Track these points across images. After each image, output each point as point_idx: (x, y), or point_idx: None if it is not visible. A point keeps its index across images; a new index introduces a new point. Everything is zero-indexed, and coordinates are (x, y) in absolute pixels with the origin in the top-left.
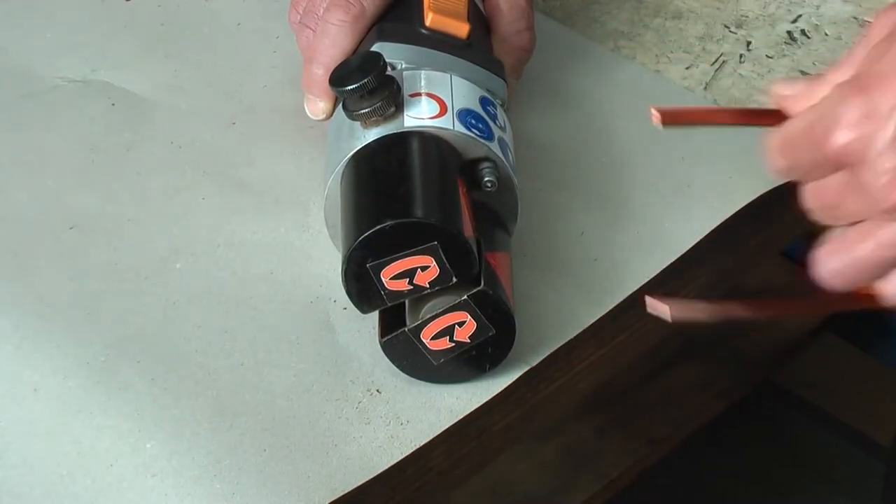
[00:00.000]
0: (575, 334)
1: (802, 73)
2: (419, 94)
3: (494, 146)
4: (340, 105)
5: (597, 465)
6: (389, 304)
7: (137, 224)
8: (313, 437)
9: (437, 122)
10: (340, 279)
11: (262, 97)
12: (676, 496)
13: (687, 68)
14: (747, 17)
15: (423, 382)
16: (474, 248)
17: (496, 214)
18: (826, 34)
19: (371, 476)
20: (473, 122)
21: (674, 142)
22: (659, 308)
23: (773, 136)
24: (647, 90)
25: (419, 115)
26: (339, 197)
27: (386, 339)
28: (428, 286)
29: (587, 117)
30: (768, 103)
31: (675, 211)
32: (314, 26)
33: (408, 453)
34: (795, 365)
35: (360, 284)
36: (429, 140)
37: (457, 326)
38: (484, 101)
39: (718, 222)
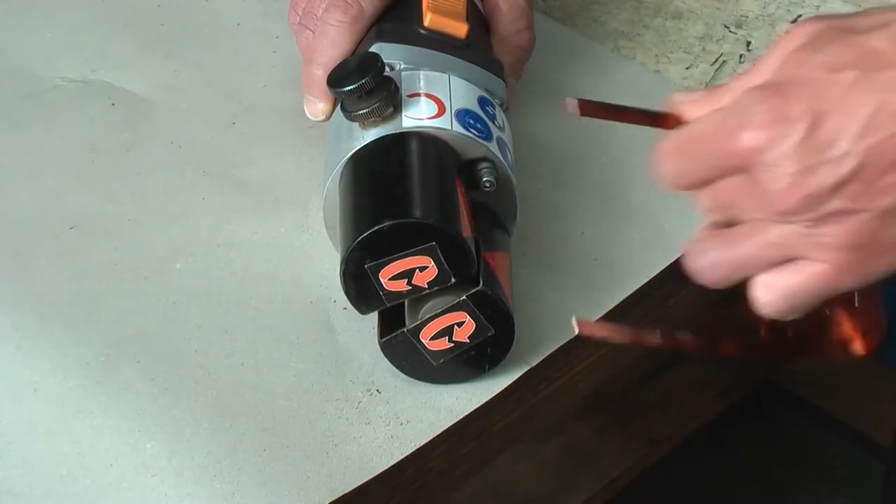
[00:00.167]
0: (575, 334)
1: None
2: (418, 95)
3: (493, 146)
4: (339, 106)
5: (597, 465)
6: (388, 305)
7: (137, 224)
8: (313, 437)
9: (436, 123)
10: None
11: (262, 97)
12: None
13: (687, 68)
14: (747, 17)
15: (422, 382)
16: (473, 249)
17: (495, 214)
18: None
19: (371, 476)
20: (472, 122)
21: None
22: (580, 328)
23: (668, 139)
24: (647, 90)
25: (417, 116)
26: (338, 197)
27: (385, 339)
28: (427, 286)
29: (587, 117)
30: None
31: (675, 211)
32: (313, 27)
33: (408, 453)
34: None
35: (359, 285)
36: (427, 140)
37: (456, 327)
38: (483, 102)
39: None
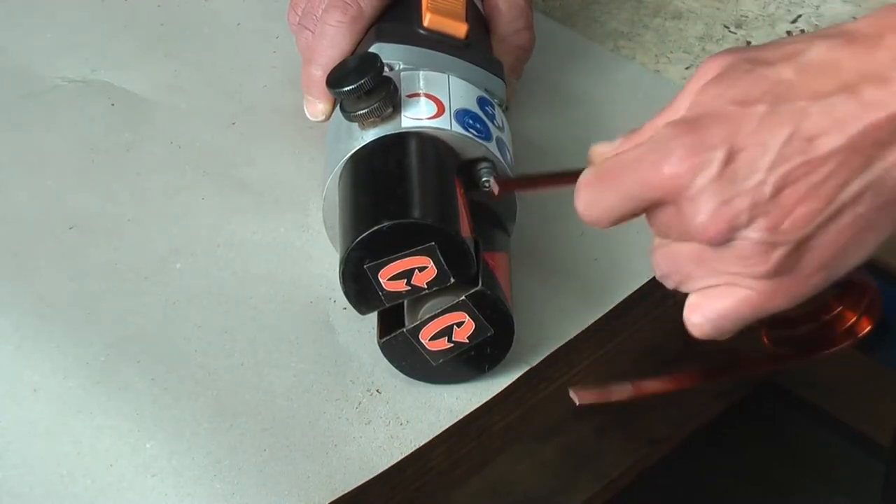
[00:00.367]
0: (575, 334)
1: None
2: (417, 95)
3: (492, 146)
4: (339, 106)
5: (597, 465)
6: (388, 305)
7: (137, 224)
8: (313, 437)
9: (435, 123)
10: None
11: (262, 97)
12: (676, 496)
13: (687, 68)
14: (747, 17)
15: (422, 382)
16: (472, 249)
17: (494, 214)
18: None
19: (371, 476)
20: (471, 122)
21: None
22: (578, 399)
23: (590, 170)
24: (647, 90)
25: (417, 116)
26: (338, 198)
27: (384, 339)
28: (426, 287)
29: (587, 117)
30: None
31: None
32: (313, 27)
33: (408, 453)
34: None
35: (359, 285)
36: (426, 140)
37: (455, 327)
38: (482, 102)
39: None
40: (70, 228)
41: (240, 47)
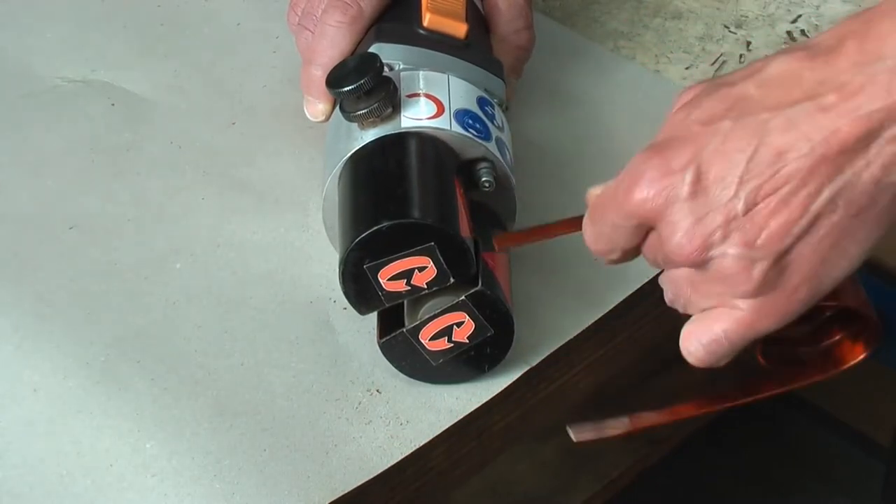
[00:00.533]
0: (575, 334)
1: None
2: (417, 95)
3: (492, 146)
4: (338, 106)
5: (597, 465)
6: (387, 305)
7: (137, 224)
8: (313, 437)
9: (435, 123)
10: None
11: (262, 97)
12: (676, 496)
13: (687, 68)
14: (747, 17)
15: (423, 382)
16: (471, 249)
17: (494, 214)
18: None
19: (371, 476)
20: (471, 122)
21: None
22: (576, 436)
23: (587, 209)
24: (647, 90)
25: (416, 116)
26: (337, 198)
27: (384, 339)
28: (426, 287)
29: (587, 117)
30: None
31: None
32: (312, 28)
33: (408, 453)
34: None
35: (358, 285)
36: (426, 140)
37: (455, 327)
38: (482, 102)
39: None
40: (70, 228)
41: (240, 47)
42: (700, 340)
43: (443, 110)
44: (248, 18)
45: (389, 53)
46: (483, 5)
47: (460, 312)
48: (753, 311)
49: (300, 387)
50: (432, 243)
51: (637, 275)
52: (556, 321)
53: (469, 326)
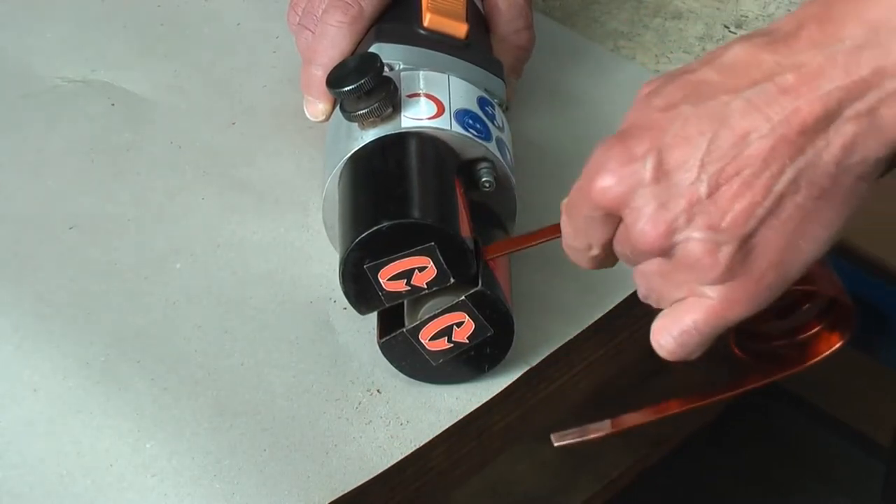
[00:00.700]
0: (575, 334)
1: None
2: (417, 95)
3: (492, 146)
4: (338, 106)
5: (597, 465)
6: (387, 305)
7: (137, 224)
8: (313, 437)
9: (435, 123)
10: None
11: (262, 97)
12: (676, 496)
13: None
14: (747, 17)
15: (423, 382)
16: (472, 249)
17: (494, 214)
18: None
19: (371, 476)
20: (471, 122)
21: None
22: (555, 441)
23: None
24: None
25: (417, 116)
26: (337, 198)
27: (384, 339)
28: (426, 287)
29: (587, 117)
30: None
31: None
32: (313, 28)
33: (408, 453)
34: None
35: (358, 285)
36: (426, 141)
37: (455, 327)
38: (482, 102)
39: None
40: (70, 228)
41: (240, 47)
42: (671, 333)
43: (443, 110)
44: (248, 18)
45: (390, 53)
46: (483, 5)
47: (460, 312)
48: (722, 299)
49: (300, 387)
50: (432, 243)
51: None
52: (556, 321)
53: (469, 326)
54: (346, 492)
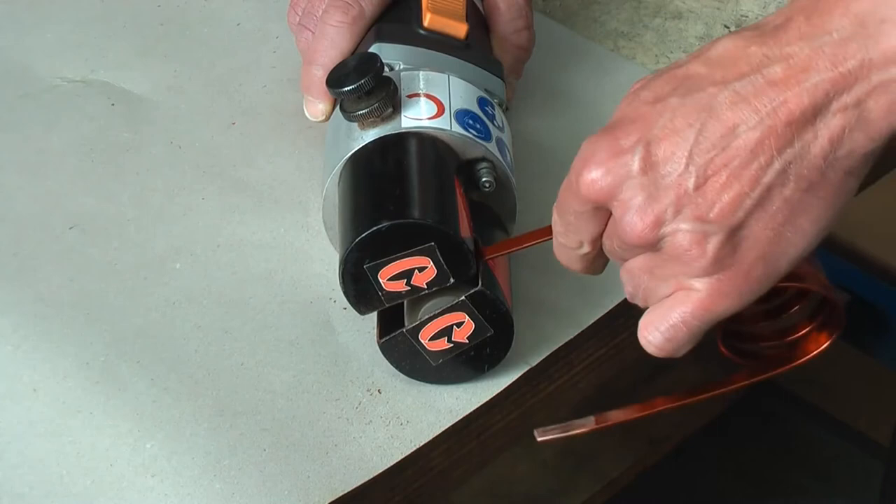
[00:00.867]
0: (575, 334)
1: None
2: (417, 95)
3: (492, 146)
4: (338, 106)
5: (597, 465)
6: (387, 306)
7: (137, 224)
8: (313, 437)
9: (435, 123)
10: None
11: (262, 97)
12: (676, 496)
13: None
14: (747, 17)
15: (423, 382)
16: (471, 249)
17: (494, 215)
18: None
19: (371, 476)
20: (471, 122)
21: None
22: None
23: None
24: None
25: (417, 116)
26: (337, 198)
27: (384, 340)
28: (426, 287)
29: (587, 117)
30: None
31: None
32: (313, 28)
33: (408, 453)
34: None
35: (358, 286)
36: (426, 141)
37: (455, 327)
38: (482, 102)
39: None
40: (70, 228)
41: (240, 47)
42: (658, 328)
43: (443, 110)
44: (248, 18)
45: (390, 53)
46: (483, 5)
47: (460, 313)
48: (710, 291)
49: (300, 387)
50: (432, 243)
51: None
52: (556, 321)
53: (469, 327)
54: (346, 492)
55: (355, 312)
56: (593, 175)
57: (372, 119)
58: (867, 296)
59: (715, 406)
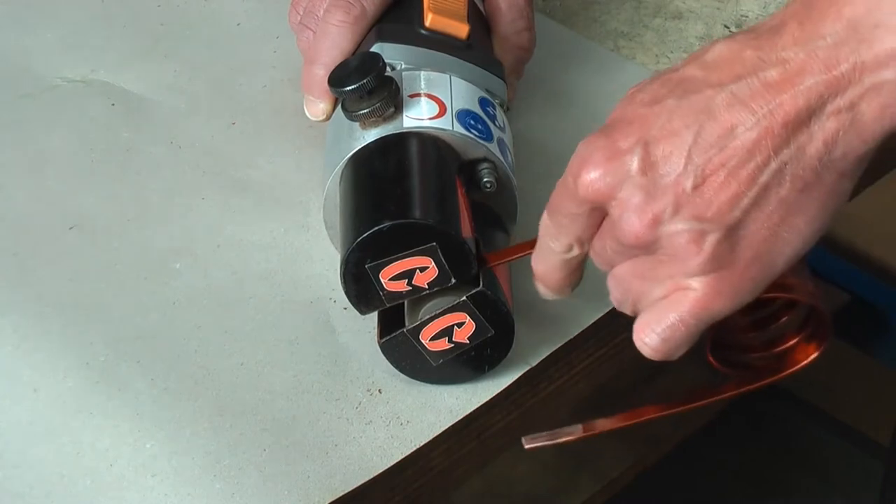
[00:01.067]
0: (575, 334)
1: None
2: (419, 95)
3: (493, 147)
4: (340, 106)
5: (597, 465)
6: (388, 305)
7: (137, 224)
8: (313, 437)
9: (436, 123)
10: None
11: (262, 97)
12: (676, 496)
13: None
14: (747, 17)
15: (423, 383)
16: (473, 249)
17: (495, 215)
18: None
19: (371, 476)
20: (472, 122)
21: None
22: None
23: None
24: None
25: (418, 116)
26: (338, 198)
27: (385, 340)
28: (427, 287)
29: (587, 117)
30: None
31: None
32: (314, 27)
33: (408, 453)
34: None
35: (359, 286)
36: (427, 141)
37: (455, 327)
38: (483, 102)
39: None
40: (70, 228)
41: (240, 47)
42: (654, 329)
43: (444, 110)
44: (248, 18)
45: (391, 53)
46: (484, 6)
47: (461, 313)
48: (707, 290)
49: (300, 387)
50: (433, 244)
51: None
52: (556, 321)
53: (470, 327)
54: (346, 492)
55: (356, 312)
56: (592, 175)
57: (373, 119)
58: (867, 296)
59: (713, 407)
